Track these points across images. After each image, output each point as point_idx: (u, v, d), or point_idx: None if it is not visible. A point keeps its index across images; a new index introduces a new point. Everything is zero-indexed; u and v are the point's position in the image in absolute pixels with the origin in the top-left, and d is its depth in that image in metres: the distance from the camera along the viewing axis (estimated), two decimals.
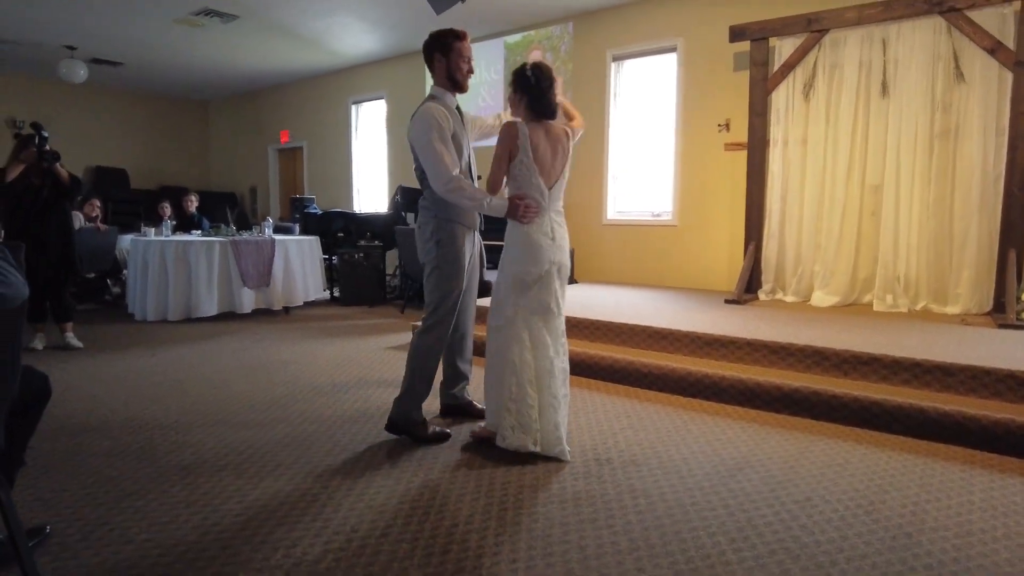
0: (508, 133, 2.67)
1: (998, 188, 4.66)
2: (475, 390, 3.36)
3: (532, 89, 2.67)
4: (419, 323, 2.95)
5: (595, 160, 7.10)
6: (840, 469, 2.62)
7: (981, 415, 2.86)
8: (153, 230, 6.56)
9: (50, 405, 1.99)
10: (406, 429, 2.91)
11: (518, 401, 2.66)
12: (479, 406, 3.20)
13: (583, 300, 5.35)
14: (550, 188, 2.72)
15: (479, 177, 2.94)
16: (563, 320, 2.82)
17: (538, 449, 2.67)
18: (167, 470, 2.57)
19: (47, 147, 4.52)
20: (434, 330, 2.87)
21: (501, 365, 2.72)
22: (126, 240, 6.90)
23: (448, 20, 6.56)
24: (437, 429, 2.96)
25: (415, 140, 2.75)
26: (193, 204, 7.92)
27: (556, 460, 2.68)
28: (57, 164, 4.58)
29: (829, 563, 1.90)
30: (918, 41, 4.86)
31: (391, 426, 2.93)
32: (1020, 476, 2.57)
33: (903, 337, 3.85)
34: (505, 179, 2.74)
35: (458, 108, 2.93)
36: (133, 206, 10.18)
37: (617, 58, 6.92)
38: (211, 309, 5.93)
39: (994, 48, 4.57)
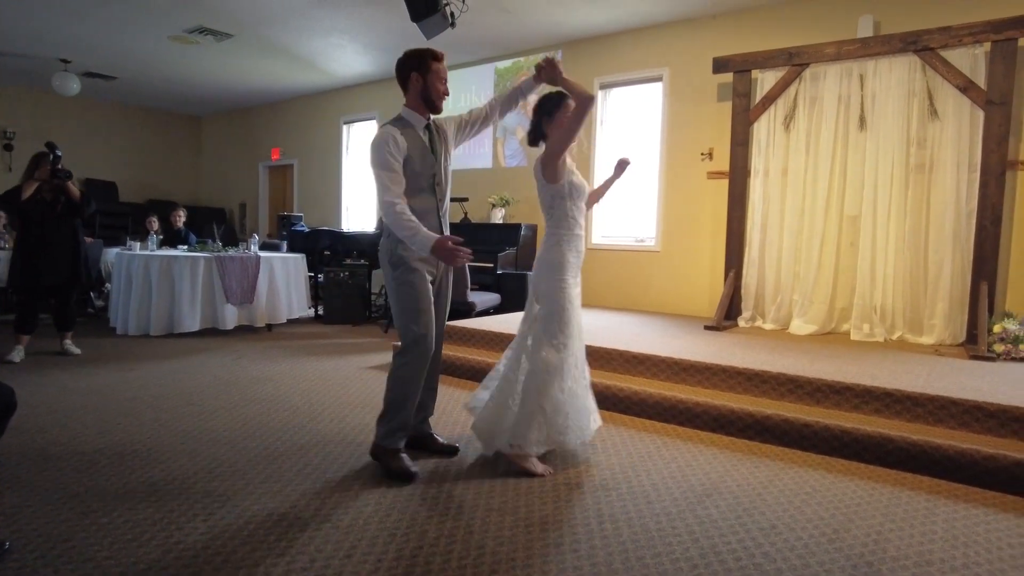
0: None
1: (971, 223, 4.77)
2: (438, 421, 3.36)
3: (555, 113, 2.89)
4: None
5: None
6: (807, 497, 2.64)
7: (947, 445, 2.90)
8: (139, 244, 6.56)
9: (20, 418, 2.00)
10: (376, 455, 2.85)
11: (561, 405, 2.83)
12: (440, 440, 3.08)
13: None
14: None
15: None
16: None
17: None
18: (135, 487, 2.56)
19: (60, 165, 4.78)
20: (406, 354, 2.75)
21: (551, 387, 2.80)
22: (111, 253, 6.89)
23: (438, 44, 6.65)
24: (406, 465, 2.74)
25: (369, 163, 2.74)
26: (181, 219, 7.93)
27: (527, 483, 2.69)
28: (69, 182, 4.83)
29: None
30: (894, 78, 4.99)
31: (372, 451, 2.88)
32: (982, 506, 2.60)
33: (876, 367, 3.90)
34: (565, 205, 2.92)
35: (434, 123, 2.88)
36: (121, 219, 10.16)
37: (604, 86, 7.05)
38: (193, 325, 5.92)
39: (966, 87, 4.70)
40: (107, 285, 6.91)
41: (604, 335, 4.80)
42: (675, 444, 3.30)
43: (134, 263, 5.85)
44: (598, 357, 4.33)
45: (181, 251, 6.44)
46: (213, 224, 7.89)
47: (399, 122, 2.80)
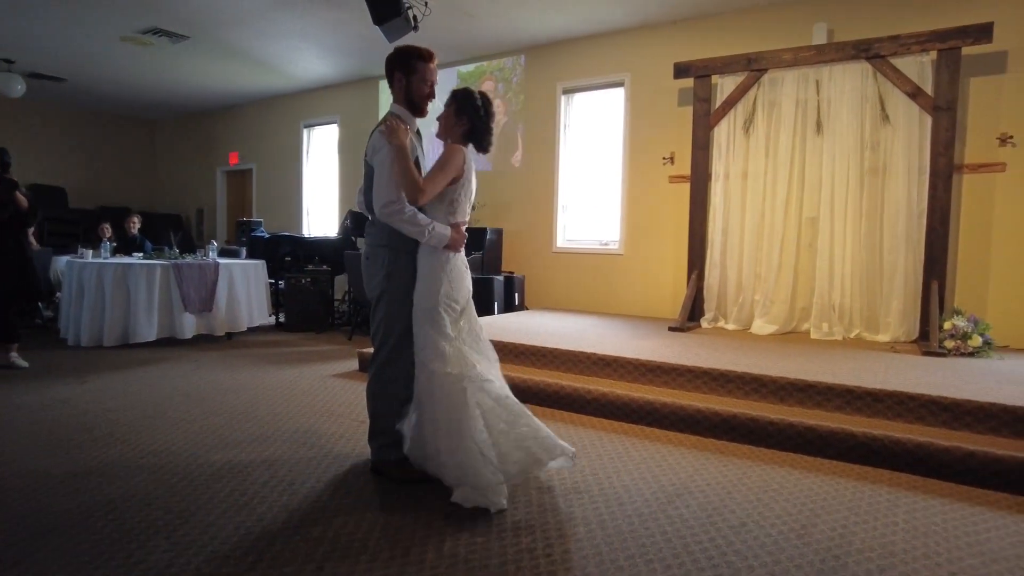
0: (456, 157, 2.59)
1: (922, 223, 4.94)
2: None
3: (480, 120, 2.63)
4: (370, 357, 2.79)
5: (546, 189, 7.21)
6: (775, 494, 2.69)
7: (906, 439, 2.98)
8: (91, 252, 6.32)
9: None
10: (380, 470, 2.79)
11: (502, 434, 2.51)
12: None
13: (531, 327, 5.38)
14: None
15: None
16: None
17: (522, 476, 2.60)
18: (91, 506, 2.45)
19: (7, 175, 4.70)
20: (389, 367, 2.69)
21: (459, 412, 2.48)
22: (61, 261, 6.63)
23: None
24: (413, 469, 2.68)
25: (376, 153, 2.57)
26: (135, 225, 7.69)
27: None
28: (17, 192, 4.71)
29: None
30: (848, 84, 5.15)
31: (374, 469, 2.82)
32: (940, 497, 2.69)
33: (836, 364, 4.00)
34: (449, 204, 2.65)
35: (418, 132, 2.80)
36: (71, 226, 9.81)
37: (567, 91, 7.10)
38: (150, 334, 5.73)
39: (915, 93, 4.88)
40: (57, 295, 6.64)
41: (571, 338, 4.82)
42: (644, 445, 3.32)
43: (86, 271, 5.64)
44: (565, 360, 4.35)
45: (136, 258, 6.24)
46: (170, 231, 7.68)
47: (401, 119, 2.65)
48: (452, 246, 2.63)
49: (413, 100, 2.71)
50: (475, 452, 2.43)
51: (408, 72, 2.66)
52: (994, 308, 4.99)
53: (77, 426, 3.45)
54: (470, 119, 2.63)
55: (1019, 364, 4.21)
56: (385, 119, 2.64)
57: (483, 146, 2.69)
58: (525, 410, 2.63)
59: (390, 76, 2.71)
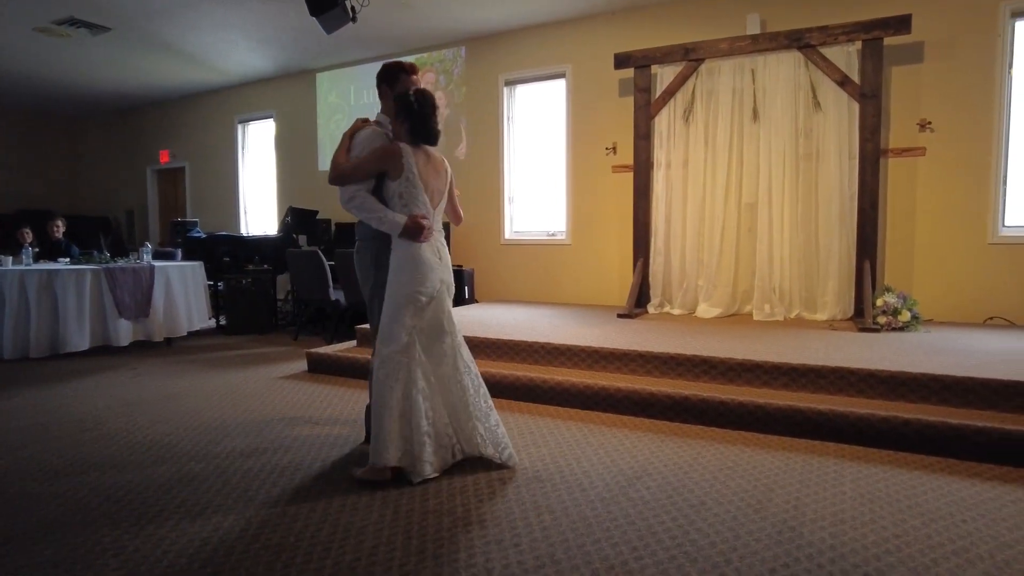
0: (389, 151, 2.71)
1: (853, 206, 5.17)
2: None
3: (415, 115, 2.72)
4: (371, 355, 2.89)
5: (492, 182, 7.20)
6: (730, 472, 2.77)
7: (848, 412, 3.13)
8: (11, 258, 5.94)
9: None
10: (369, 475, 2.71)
11: (435, 424, 2.72)
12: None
13: (483, 319, 5.37)
14: (434, 209, 2.78)
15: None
16: (460, 337, 2.87)
17: (460, 456, 2.81)
18: (28, 528, 2.31)
19: None
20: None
21: (400, 395, 2.66)
22: None
23: (339, 40, 6.47)
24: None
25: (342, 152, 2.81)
26: (59, 229, 7.25)
27: (460, 482, 2.66)
28: None
29: (724, 562, 2.00)
30: (782, 73, 5.33)
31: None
32: (882, 465, 2.83)
33: (780, 344, 4.15)
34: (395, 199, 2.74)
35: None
36: None
37: (509, 83, 7.09)
38: (82, 343, 5.43)
39: (843, 81, 5.09)
40: None
41: (524, 329, 4.84)
42: (601, 431, 3.37)
43: (6, 279, 5.29)
44: (520, 351, 4.36)
45: (63, 264, 5.90)
46: (99, 234, 7.30)
47: (381, 126, 2.89)
48: (409, 235, 2.69)
49: None
50: (394, 418, 2.63)
51: (392, 84, 2.91)
52: (919, 284, 5.28)
53: (7, 444, 3.24)
54: (407, 118, 2.74)
55: (943, 336, 4.47)
56: (374, 124, 2.91)
57: (428, 139, 2.79)
58: (479, 411, 2.83)
59: (379, 89, 3.00)
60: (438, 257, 2.78)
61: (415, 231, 2.68)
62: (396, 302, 2.71)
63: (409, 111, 2.72)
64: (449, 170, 2.92)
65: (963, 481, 2.65)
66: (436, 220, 2.81)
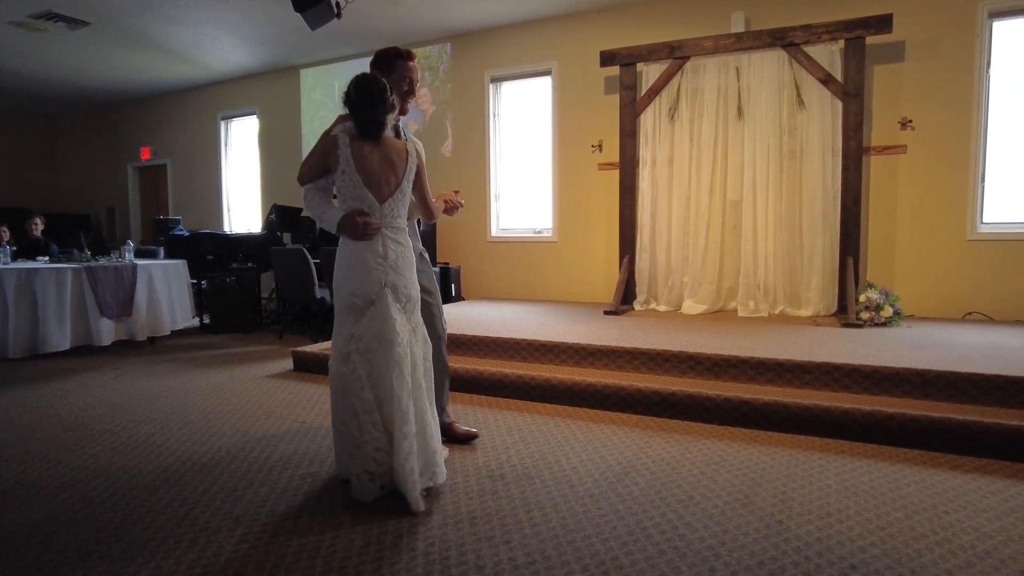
0: (324, 145, 2.51)
1: (837, 203, 5.24)
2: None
3: (351, 105, 2.46)
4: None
5: (478, 179, 7.19)
6: (717, 467, 2.80)
7: (833, 407, 3.17)
8: None
9: None
10: None
11: (362, 445, 2.42)
12: (462, 428, 3.17)
13: (470, 317, 5.37)
14: (382, 203, 2.50)
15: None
16: (409, 351, 2.49)
17: (383, 492, 2.48)
18: (9, 532, 2.27)
19: None
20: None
21: (343, 407, 2.51)
22: None
23: (324, 36, 6.42)
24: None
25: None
26: (38, 228, 7.15)
27: (449, 480, 2.66)
28: None
29: (713, 556, 2.02)
30: (766, 71, 5.38)
31: None
32: (866, 458, 2.87)
33: (765, 340, 4.19)
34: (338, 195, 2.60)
35: (403, 131, 2.77)
36: None
37: (495, 79, 7.08)
38: (63, 343, 5.35)
39: (827, 79, 5.15)
40: None
41: (511, 326, 4.85)
42: (589, 427, 3.38)
43: None
44: (507, 348, 4.37)
45: (42, 262, 5.81)
46: (80, 232, 7.19)
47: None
48: (346, 232, 2.49)
49: None
50: (340, 434, 2.56)
51: (388, 71, 2.72)
52: (900, 280, 5.36)
53: None
54: (351, 111, 2.48)
55: (924, 331, 4.54)
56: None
57: (367, 132, 2.47)
58: (407, 442, 2.42)
59: None
60: (381, 257, 2.47)
61: (350, 228, 2.46)
62: (336, 308, 2.56)
63: (346, 100, 2.46)
64: (413, 159, 2.57)
65: (945, 473, 2.70)
66: (395, 216, 2.53)
